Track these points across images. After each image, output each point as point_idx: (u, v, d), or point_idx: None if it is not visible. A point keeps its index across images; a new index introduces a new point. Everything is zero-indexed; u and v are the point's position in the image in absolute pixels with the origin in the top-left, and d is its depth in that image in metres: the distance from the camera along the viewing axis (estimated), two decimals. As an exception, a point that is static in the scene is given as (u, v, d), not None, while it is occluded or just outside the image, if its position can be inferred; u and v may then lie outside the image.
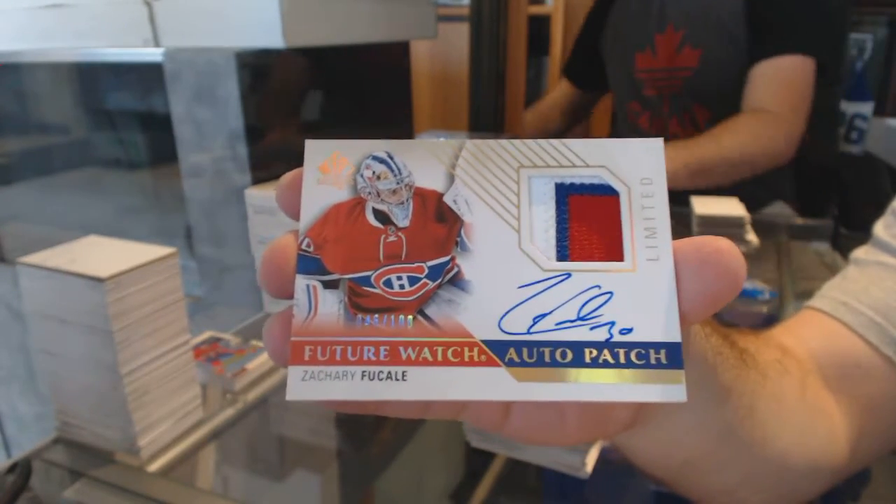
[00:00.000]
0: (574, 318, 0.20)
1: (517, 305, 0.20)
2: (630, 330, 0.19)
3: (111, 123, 1.10)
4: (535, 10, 2.07)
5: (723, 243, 0.20)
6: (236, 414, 0.66)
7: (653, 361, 0.19)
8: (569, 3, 1.98)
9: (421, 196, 0.21)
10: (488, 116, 1.85)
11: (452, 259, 0.20)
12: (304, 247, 0.20)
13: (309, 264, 0.20)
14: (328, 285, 0.20)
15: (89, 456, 0.57)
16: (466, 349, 0.19)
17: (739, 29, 1.18)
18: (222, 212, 0.85)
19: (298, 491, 0.61)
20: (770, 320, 0.82)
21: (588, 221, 0.20)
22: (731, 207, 1.06)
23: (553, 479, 0.56)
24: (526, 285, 0.20)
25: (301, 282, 0.20)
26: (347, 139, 0.21)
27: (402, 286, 0.20)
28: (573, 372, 0.19)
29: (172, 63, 0.83)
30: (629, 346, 0.19)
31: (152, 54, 0.85)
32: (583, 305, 0.20)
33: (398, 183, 0.21)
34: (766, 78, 1.12)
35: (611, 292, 0.20)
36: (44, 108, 1.19)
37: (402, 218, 0.20)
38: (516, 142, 0.21)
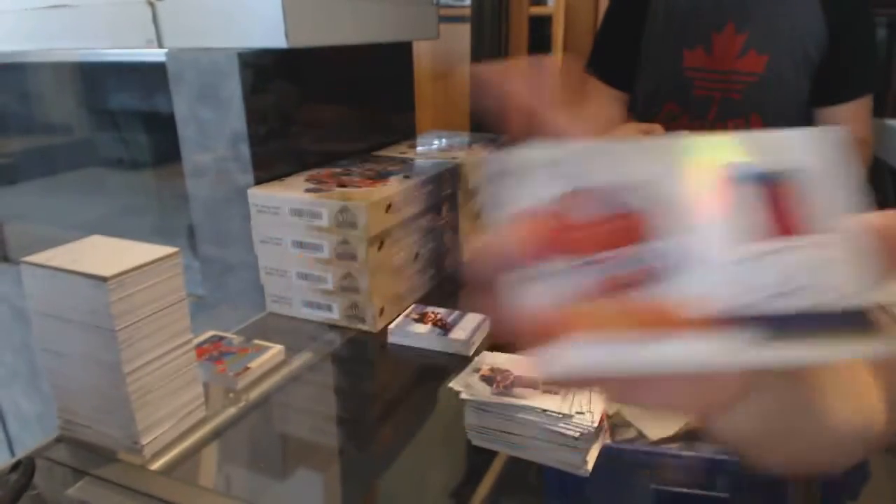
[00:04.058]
0: (790, 288, 0.21)
1: (735, 280, 0.21)
2: (840, 295, 0.21)
3: (114, 124, 1.11)
4: (537, 10, 2.07)
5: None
6: (238, 413, 0.66)
7: (868, 322, 0.21)
8: (569, 3, 1.98)
9: (628, 190, 0.22)
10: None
11: (669, 244, 0.22)
12: (525, 243, 0.22)
13: (536, 258, 0.21)
14: (561, 275, 0.21)
15: (92, 454, 0.57)
16: (697, 323, 0.21)
17: (815, 52, 1.21)
18: (225, 211, 0.85)
19: (301, 489, 0.61)
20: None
21: (779, 203, 0.22)
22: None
23: (553, 478, 0.57)
24: (738, 262, 0.21)
25: (535, 273, 0.21)
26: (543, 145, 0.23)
27: (627, 270, 0.21)
28: (798, 338, 0.21)
29: (175, 63, 0.83)
30: (843, 311, 0.21)
31: (155, 55, 0.85)
32: (792, 276, 0.21)
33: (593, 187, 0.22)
34: (851, 114, 1.24)
35: (814, 263, 0.21)
36: (47, 108, 1.20)
37: (614, 203, 0.22)
38: (712, 137, 0.23)
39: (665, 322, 0.21)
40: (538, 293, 0.21)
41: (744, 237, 0.22)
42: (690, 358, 0.21)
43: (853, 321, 0.21)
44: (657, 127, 1.11)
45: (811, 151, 0.23)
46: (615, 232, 0.22)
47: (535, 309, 0.21)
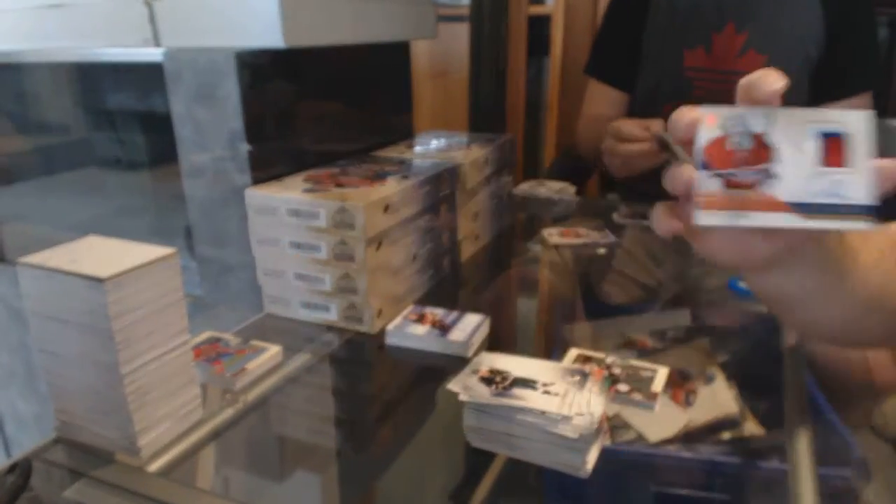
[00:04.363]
0: (826, 193, 0.39)
1: (802, 185, 0.39)
2: (851, 197, 0.39)
3: (111, 123, 1.10)
4: (536, 9, 2.07)
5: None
6: (236, 414, 0.66)
7: (860, 212, 0.39)
8: (569, 3, 1.97)
9: (755, 136, 0.40)
10: (488, 116, 1.85)
11: (771, 163, 0.40)
12: (701, 157, 0.40)
13: (704, 165, 0.40)
14: (713, 175, 0.40)
15: (89, 456, 0.57)
16: (779, 206, 0.40)
17: (815, 51, 1.20)
18: (222, 212, 0.85)
19: (298, 491, 0.61)
20: (770, 319, 0.82)
21: (832, 147, 0.39)
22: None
23: (553, 479, 0.57)
24: (804, 177, 0.40)
25: (702, 174, 0.40)
26: (723, 106, 0.41)
27: (749, 175, 0.40)
28: (829, 217, 0.39)
29: (172, 63, 0.83)
30: (851, 206, 0.39)
31: (152, 54, 0.85)
32: (830, 186, 0.39)
33: (744, 129, 0.40)
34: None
35: (843, 180, 0.39)
36: (44, 108, 1.19)
37: (748, 144, 0.40)
38: (799, 110, 0.40)
39: (763, 205, 0.40)
40: (705, 181, 0.40)
41: (811, 164, 0.40)
42: (770, 222, 0.39)
43: (858, 212, 0.39)
44: (657, 122, 1.10)
45: (857, 122, 0.40)
46: (750, 156, 0.40)
47: (703, 189, 0.40)
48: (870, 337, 0.55)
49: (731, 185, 0.40)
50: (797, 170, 0.39)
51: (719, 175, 0.40)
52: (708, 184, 0.40)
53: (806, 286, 0.47)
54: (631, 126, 1.09)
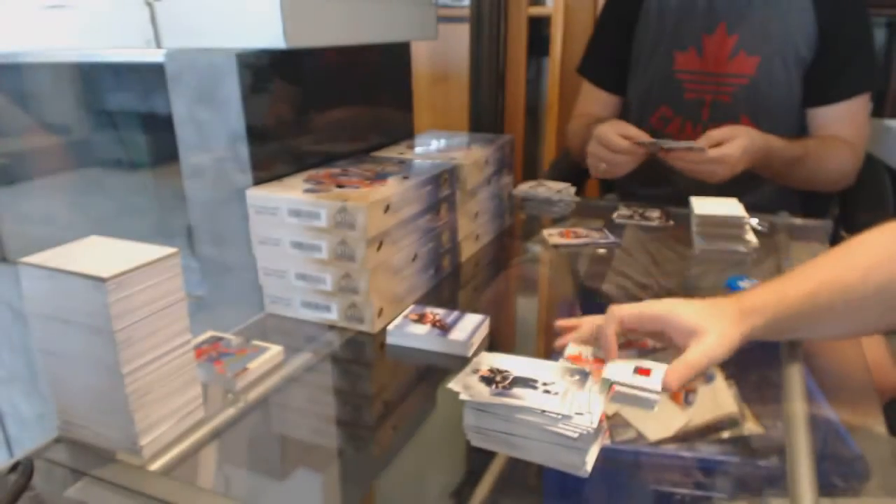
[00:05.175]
0: (636, 382, 0.59)
1: (622, 378, 0.60)
2: (650, 386, 0.59)
3: (113, 124, 1.10)
4: (535, 10, 2.07)
5: None
6: (237, 413, 0.66)
7: (652, 397, 0.59)
8: (569, 3, 1.98)
9: (596, 357, 0.65)
10: (488, 116, 1.85)
11: (600, 365, 0.63)
12: (564, 359, 0.66)
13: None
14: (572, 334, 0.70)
15: (91, 455, 0.57)
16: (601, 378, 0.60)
17: (807, 52, 1.19)
18: (223, 212, 0.85)
19: (299, 490, 0.61)
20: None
21: (643, 370, 0.61)
22: (730, 208, 1.06)
23: (553, 478, 0.57)
24: (624, 377, 0.60)
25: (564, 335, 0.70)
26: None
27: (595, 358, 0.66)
28: (634, 394, 0.60)
29: (174, 64, 0.83)
30: (649, 392, 0.59)
31: (154, 55, 0.85)
32: (638, 381, 0.59)
33: (591, 355, 0.66)
34: (842, 114, 1.22)
35: (646, 380, 0.59)
36: (45, 108, 1.20)
37: (592, 359, 0.65)
38: (629, 362, 0.62)
39: (593, 372, 0.61)
40: (563, 341, 0.68)
41: (630, 374, 0.60)
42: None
43: (651, 396, 0.59)
44: (636, 133, 1.12)
45: (657, 365, 0.61)
46: (593, 364, 0.64)
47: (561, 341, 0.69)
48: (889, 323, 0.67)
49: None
50: (620, 373, 0.61)
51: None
52: (566, 337, 0.68)
53: (816, 333, 0.67)
54: (617, 139, 1.12)
